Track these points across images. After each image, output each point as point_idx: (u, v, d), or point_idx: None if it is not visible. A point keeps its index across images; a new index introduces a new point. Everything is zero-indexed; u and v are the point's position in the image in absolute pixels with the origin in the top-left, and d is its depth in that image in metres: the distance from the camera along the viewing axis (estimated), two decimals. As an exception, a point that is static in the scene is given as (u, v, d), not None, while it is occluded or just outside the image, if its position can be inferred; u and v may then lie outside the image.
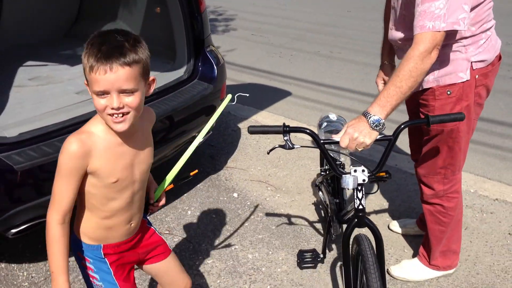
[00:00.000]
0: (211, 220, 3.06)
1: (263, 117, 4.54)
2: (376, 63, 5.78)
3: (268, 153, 2.01)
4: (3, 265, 2.64)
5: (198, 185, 3.44)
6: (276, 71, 5.87)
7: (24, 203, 2.17)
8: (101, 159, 1.45)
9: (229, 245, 2.83)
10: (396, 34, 2.17)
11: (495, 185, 3.34)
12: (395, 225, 2.91)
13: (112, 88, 1.34)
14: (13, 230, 2.22)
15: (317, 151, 3.89)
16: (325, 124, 2.64)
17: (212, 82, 3.08)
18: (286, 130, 1.84)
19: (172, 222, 3.04)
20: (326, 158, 1.92)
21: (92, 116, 2.42)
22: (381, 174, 1.98)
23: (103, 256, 1.62)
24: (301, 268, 2.62)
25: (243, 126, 4.36)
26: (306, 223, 3.03)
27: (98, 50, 1.32)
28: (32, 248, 2.77)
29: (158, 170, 3.52)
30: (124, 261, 1.69)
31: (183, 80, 3.01)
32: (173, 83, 2.95)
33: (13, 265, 2.64)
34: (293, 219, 3.07)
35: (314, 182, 2.73)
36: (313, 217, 3.09)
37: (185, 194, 3.33)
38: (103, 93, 1.36)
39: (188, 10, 3.03)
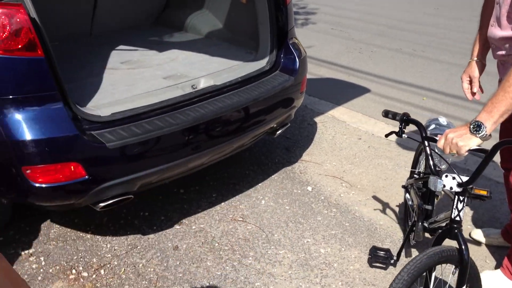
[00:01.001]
0: (285, 211, 3.08)
1: (340, 113, 4.48)
2: (462, 64, 5.56)
3: (386, 137, 2.27)
4: (88, 235, 2.80)
5: (273, 176, 3.47)
6: (355, 67, 5.77)
7: (113, 179, 2.29)
8: None
9: (302, 238, 2.84)
10: (497, 32, 2.05)
11: None
12: (477, 234, 2.77)
13: None
14: (101, 204, 2.35)
15: (393, 151, 3.80)
16: (433, 126, 2.53)
17: (293, 74, 3.08)
18: (403, 119, 2.11)
19: (246, 210, 3.08)
20: (426, 153, 1.98)
21: (177, 102, 2.54)
22: (482, 192, 1.85)
23: None
24: (371, 265, 2.58)
25: (320, 120, 4.33)
26: (381, 223, 2.97)
27: None
28: (116, 222, 2.92)
29: (235, 157, 3.60)
30: None
31: (265, 71, 3.03)
32: (255, 73, 2.98)
33: (97, 236, 2.80)
34: (367, 218, 3.02)
35: (403, 185, 2.67)
36: (389, 218, 3.02)
37: (259, 184, 3.37)
38: None
39: (274, 2, 3.04)
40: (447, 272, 2.06)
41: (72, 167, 2.20)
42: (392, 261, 2.51)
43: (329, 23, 7.62)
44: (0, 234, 2.76)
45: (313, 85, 5.02)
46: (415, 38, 6.76)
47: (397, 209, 3.08)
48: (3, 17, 1.99)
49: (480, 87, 2.37)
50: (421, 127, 2.04)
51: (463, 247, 1.81)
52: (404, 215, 2.90)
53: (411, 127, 2.18)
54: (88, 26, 3.66)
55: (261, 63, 3.08)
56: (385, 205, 3.14)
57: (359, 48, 6.49)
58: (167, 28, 3.96)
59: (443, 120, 2.56)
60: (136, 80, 2.82)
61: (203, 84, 2.76)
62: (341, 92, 5.01)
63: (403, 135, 2.09)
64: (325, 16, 8.01)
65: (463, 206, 1.84)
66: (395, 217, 3.01)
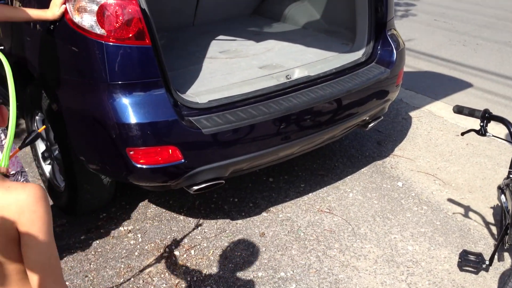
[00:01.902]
0: (372, 206, 3.04)
1: (438, 108, 4.30)
2: None
3: (462, 135, 2.12)
4: (181, 217, 2.97)
5: (362, 169, 3.43)
6: (457, 60, 5.48)
7: (207, 164, 2.41)
8: None
9: (389, 233, 2.79)
10: None
11: None
12: None
13: None
14: (195, 187, 2.48)
15: (494, 149, 3.58)
16: None
17: (389, 66, 3.01)
18: (485, 116, 1.94)
19: (333, 201, 3.09)
20: None
21: (271, 92, 2.59)
22: None
23: None
24: (461, 269, 2.48)
25: (415, 115, 4.19)
26: (476, 224, 2.84)
27: None
28: (207, 206, 3.07)
29: (324, 149, 3.61)
30: None
31: (360, 63, 2.99)
32: (350, 65, 2.95)
33: (189, 218, 2.96)
34: (460, 218, 2.89)
35: (499, 185, 2.53)
36: (485, 219, 2.87)
37: (348, 177, 3.35)
38: None
39: (374, -8, 2.99)
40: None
41: (170, 150, 2.34)
42: (484, 266, 2.40)
43: (432, 14, 7.27)
44: (104, 210, 3.01)
45: (410, 78, 4.85)
46: (528, 30, 6.27)
47: (493, 211, 2.92)
48: (117, 7, 2.16)
49: None
50: (509, 125, 1.91)
51: None
52: (500, 217, 2.75)
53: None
54: (192, 16, 3.83)
55: (357, 55, 3.05)
56: (481, 206, 2.99)
57: (463, 40, 6.14)
58: (265, 19, 4.03)
59: None
60: (233, 69, 2.91)
61: (297, 74, 2.79)
62: (440, 86, 4.79)
63: (487, 134, 1.95)
64: (428, 7, 7.65)
65: None
66: (491, 219, 2.86)
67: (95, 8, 2.17)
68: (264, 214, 2.99)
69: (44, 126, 2.30)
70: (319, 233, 2.82)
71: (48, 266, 1.11)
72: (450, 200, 3.07)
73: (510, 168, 2.65)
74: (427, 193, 3.15)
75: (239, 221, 2.93)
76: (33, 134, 1.74)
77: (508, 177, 2.54)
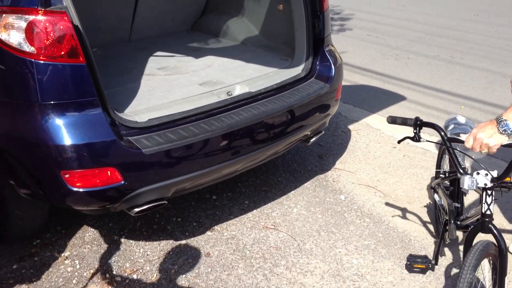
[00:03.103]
0: (317, 220, 3.05)
1: (375, 121, 4.43)
2: (502, 71, 5.39)
3: (398, 143, 2.20)
4: (122, 240, 2.85)
5: (305, 184, 3.45)
6: (390, 74, 5.69)
7: (148, 185, 2.32)
8: None
9: (334, 247, 2.81)
10: None
11: None
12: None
13: None
14: (136, 209, 2.38)
15: (429, 160, 3.72)
16: (452, 126, 2.54)
17: (328, 81, 3.06)
18: (417, 123, 2.06)
19: (278, 217, 3.08)
20: (450, 155, 1.99)
21: (213, 109, 2.55)
22: (507, 179, 1.90)
23: None
24: (410, 271, 2.54)
25: (354, 128, 4.29)
26: (416, 234, 2.91)
27: None
28: (149, 227, 2.96)
29: (267, 164, 3.60)
30: None
31: (300, 78, 3.02)
32: (290, 80, 2.97)
33: (131, 241, 2.84)
34: (401, 229, 2.96)
35: (429, 185, 2.65)
36: (424, 229, 2.96)
37: (291, 191, 3.35)
38: None
39: (311, 9, 3.03)
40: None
41: (109, 172, 2.24)
42: (430, 265, 2.46)
43: (365, 29, 7.54)
44: (38, 237, 2.83)
45: (347, 92, 4.97)
46: (454, 44, 6.62)
47: (431, 221, 3.02)
48: (47, 24, 2.05)
49: None
50: (440, 130, 2.03)
51: (499, 237, 1.88)
52: (435, 217, 2.86)
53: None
54: (128, 32, 3.73)
55: (297, 70, 3.07)
56: (419, 216, 3.08)
57: (395, 54, 6.40)
58: (203, 34, 4.00)
59: (461, 119, 2.56)
60: (173, 86, 2.85)
61: (238, 91, 2.77)
62: (375, 99, 4.95)
63: (421, 140, 2.06)
64: (361, 22, 7.93)
65: (492, 200, 1.91)
66: (430, 229, 2.95)
67: (24, 24, 2.05)
68: (208, 233, 2.93)
69: None
70: (265, 250, 2.78)
71: None
72: (390, 211, 3.14)
73: (436, 168, 2.82)
74: (368, 205, 3.21)
75: (183, 241, 2.85)
76: None
77: (437, 176, 2.67)
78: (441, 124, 2.25)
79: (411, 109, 4.71)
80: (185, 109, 2.50)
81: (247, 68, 3.15)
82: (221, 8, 4.00)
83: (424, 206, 3.17)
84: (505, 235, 2.86)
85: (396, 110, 4.68)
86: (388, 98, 4.98)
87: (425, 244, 2.82)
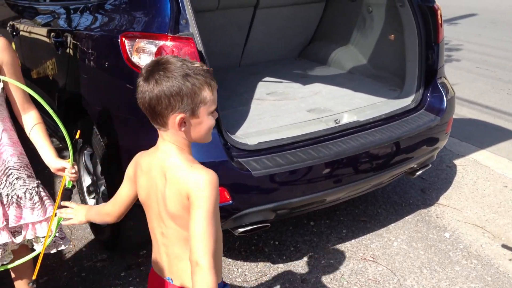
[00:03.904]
0: (419, 256, 2.93)
1: (484, 157, 4.19)
2: None
3: None
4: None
5: (407, 217, 3.34)
6: (502, 109, 5.37)
7: (255, 206, 2.39)
8: None
9: (436, 287, 2.68)
10: None
11: None
12: None
13: None
14: (241, 229, 2.45)
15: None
16: None
17: (439, 114, 2.97)
18: None
19: (377, 250, 3.00)
20: None
21: (321, 136, 2.58)
22: None
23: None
24: None
25: (460, 163, 4.09)
26: (531, 282, 2.70)
27: (206, 72, 1.38)
28: (247, 248, 3.02)
29: (366, 194, 3.54)
30: None
31: (409, 109, 2.96)
32: (399, 111, 2.92)
33: (229, 260, 2.91)
34: (513, 275, 2.76)
35: None
36: (540, 277, 2.73)
37: (392, 224, 3.26)
38: (214, 111, 1.42)
39: (426, 40, 2.98)
40: None
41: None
42: None
43: (474, 61, 7.21)
44: (145, 247, 2.97)
45: (454, 125, 4.71)
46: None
47: (550, 270, 2.78)
48: (174, 49, 2.21)
49: None
50: None
51: None
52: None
53: None
54: (239, 57, 3.90)
55: (406, 101, 3.02)
56: (535, 264, 2.85)
57: (507, 88, 6.04)
58: (311, 62, 4.07)
59: None
60: (281, 111, 2.92)
61: (346, 119, 2.78)
62: (485, 134, 4.69)
63: None
64: (469, 54, 7.60)
65: None
66: (547, 279, 2.72)
67: (154, 49, 2.23)
68: (305, 259, 2.92)
69: (79, 131, 2.04)
70: (363, 282, 2.72)
71: (202, 238, 1.33)
72: (501, 254, 2.94)
73: None
74: (476, 246, 3.03)
75: (280, 265, 2.87)
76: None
77: None
78: None
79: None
80: (294, 134, 2.55)
81: (354, 97, 3.15)
82: (329, 36, 4.06)
83: (540, 253, 2.94)
84: None
85: (508, 147, 4.40)
86: (499, 134, 4.70)
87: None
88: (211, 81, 1.37)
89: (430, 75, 3.04)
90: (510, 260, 2.88)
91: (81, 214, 1.77)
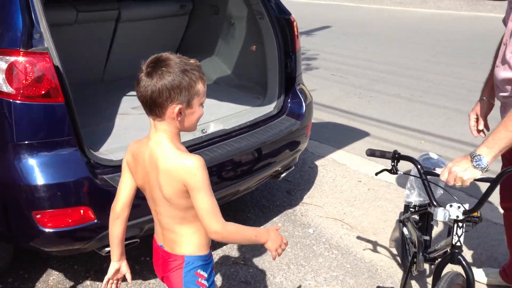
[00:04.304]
0: (286, 254, 3.13)
1: (340, 156, 4.59)
2: (459, 108, 5.69)
3: (376, 175, 2.25)
4: (88, 282, 2.83)
5: (274, 219, 3.54)
6: (355, 111, 5.92)
7: (122, 222, 2.36)
8: None
9: (303, 280, 2.89)
10: (500, 73, 2.14)
11: None
12: (477, 273, 2.83)
13: None
14: (107, 249, 2.40)
15: (393, 193, 3.88)
16: (424, 161, 2.66)
17: (299, 118, 3.21)
18: (395, 156, 2.13)
19: (247, 253, 3.14)
20: (425, 188, 2.06)
21: (187, 146, 2.63)
22: (474, 213, 2.00)
23: (211, 264, 1.80)
24: None
25: (320, 163, 4.44)
26: (382, 263, 3.03)
27: (199, 67, 1.58)
28: (121, 264, 2.96)
29: (236, 201, 3.68)
30: None
31: (272, 115, 3.16)
32: (263, 118, 3.10)
33: (97, 283, 2.81)
34: (368, 259, 3.07)
35: (399, 219, 2.74)
36: (389, 259, 3.08)
37: (261, 227, 3.43)
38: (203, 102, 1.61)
39: (284, 50, 3.21)
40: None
41: (81, 211, 2.26)
42: None
43: (330, 69, 7.84)
44: None
45: (314, 129, 5.12)
46: (413, 83, 6.96)
47: (396, 251, 3.14)
48: (27, 65, 2.12)
49: (486, 125, 2.47)
50: (417, 163, 2.10)
51: (467, 269, 1.96)
52: (402, 250, 2.97)
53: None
54: (101, 72, 3.82)
55: (269, 108, 3.21)
56: (385, 246, 3.20)
57: (358, 93, 6.67)
58: None
59: (433, 155, 2.68)
60: (146, 124, 2.90)
61: (212, 128, 2.88)
62: (341, 135, 5.14)
63: (399, 172, 2.13)
64: (326, 63, 8.24)
65: (463, 232, 1.98)
66: (395, 258, 3.07)
67: (4, 66, 2.12)
68: (181, 269, 2.95)
69: None
70: (235, 285, 2.84)
71: (211, 212, 1.57)
72: (357, 243, 3.26)
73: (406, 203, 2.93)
74: (336, 237, 3.32)
75: (152, 281, 2.87)
76: None
77: (406, 210, 2.79)
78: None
79: (374, 144, 4.90)
80: (159, 147, 2.58)
81: (220, 107, 3.27)
82: (194, 48, 4.15)
83: (389, 237, 3.30)
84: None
85: (360, 145, 4.87)
86: (353, 134, 5.18)
87: (391, 273, 2.93)
88: (203, 75, 1.57)
89: (289, 83, 3.28)
90: (365, 247, 3.21)
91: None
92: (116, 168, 2.39)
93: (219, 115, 3.08)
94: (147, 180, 1.66)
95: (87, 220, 2.27)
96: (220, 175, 2.71)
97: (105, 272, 2.85)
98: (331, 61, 8.38)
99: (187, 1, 4.10)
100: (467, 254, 3.10)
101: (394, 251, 3.15)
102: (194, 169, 1.54)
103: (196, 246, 1.71)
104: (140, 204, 2.39)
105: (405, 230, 2.70)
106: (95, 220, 2.28)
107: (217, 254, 3.10)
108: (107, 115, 3.06)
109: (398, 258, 3.07)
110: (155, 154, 1.59)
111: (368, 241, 3.28)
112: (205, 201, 1.57)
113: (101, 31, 3.69)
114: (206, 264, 1.74)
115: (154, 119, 1.59)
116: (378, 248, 3.19)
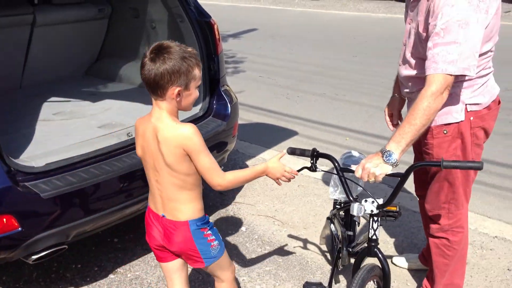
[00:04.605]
0: (220, 252, 3.16)
1: (270, 155, 4.69)
2: (380, 105, 5.96)
3: (298, 172, 2.22)
4: (20, 291, 2.74)
5: (208, 219, 3.56)
6: (283, 112, 6.07)
7: (48, 230, 2.30)
8: None
9: (238, 276, 2.93)
10: (402, 71, 2.31)
11: (494, 223, 3.46)
12: (399, 260, 3.01)
13: None
14: (34, 256, 2.33)
15: (321, 188, 4.03)
16: (346, 159, 2.77)
17: (225, 119, 3.26)
18: (314, 154, 2.19)
19: (182, 253, 3.14)
20: (342, 184, 2.12)
21: (113, 150, 2.62)
22: (393, 208, 2.10)
23: (210, 222, 2.10)
24: None
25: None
26: (312, 256, 3.14)
27: (196, 55, 1.84)
28: (46, 277, 2.87)
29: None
30: None
31: (198, 117, 3.18)
32: (189, 120, 3.12)
33: (28, 293, 2.74)
34: (299, 253, 3.17)
35: (328, 217, 2.85)
36: (319, 251, 3.20)
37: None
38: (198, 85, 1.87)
39: (206, 52, 3.24)
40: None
41: (4, 219, 2.19)
42: None
43: (257, 71, 7.97)
44: None
45: (244, 130, 5.22)
46: (337, 83, 7.23)
47: (325, 242, 3.27)
48: None
49: (401, 119, 2.62)
50: (334, 160, 2.16)
51: (383, 261, 2.07)
52: (332, 246, 3.09)
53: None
54: (19, 78, 3.67)
55: (194, 110, 3.23)
56: (315, 240, 3.32)
57: (286, 93, 6.83)
58: (100, 79, 4.04)
59: (355, 153, 2.81)
60: (70, 130, 2.87)
61: (137, 132, 2.85)
62: (270, 135, 5.25)
63: (317, 169, 2.17)
64: (253, 65, 8.37)
65: (378, 226, 2.08)
66: (324, 250, 3.19)
67: None
68: (111, 276, 2.91)
69: None
70: (171, 286, 2.83)
71: (211, 169, 1.86)
72: (288, 238, 3.35)
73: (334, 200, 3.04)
74: (268, 234, 3.39)
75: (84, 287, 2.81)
76: None
77: (334, 207, 2.91)
78: (337, 157, 2.45)
79: (302, 143, 5.06)
80: (85, 151, 2.54)
81: (146, 110, 3.22)
82: (116, 52, 4.09)
83: (318, 230, 3.43)
84: (389, 250, 3.19)
85: (289, 144, 4.98)
86: (282, 134, 5.30)
87: (321, 265, 3.05)
88: (199, 62, 1.84)
89: (214, 84, 3.32)
90: (296, 241, 3.31)
91: None
92: (39, 174, 2.32)
93: None
94: (148, 151, 1.90)
95: (11, 228, 2.20)
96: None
97: (36, 282, 2.78)
98: (258, 63, 8.52)
99: (105, 4, 4.03)
100: (390, 242, 3.29)
101: (324, 247, 3.27)
102: (190, 134, 1.80)
103: (195, 211, 1.97)
104: (67, 210, 2.36)
105: (332, 226, 2.80)
106: (19, 228, 2.21)
107: (151, 257, 3.08)
108: (27, 122, 2.96)
109: (326, 249, 3.20)
110: (156, 128, 1.84)
111: (299, 235, 3.38)
112: (206, 161, 1.84)
113: (16, 36, 3.55)
114: (205, 222, 2.03)
115: (156, 98, 1.83)
116: (309, 242, 3.30)
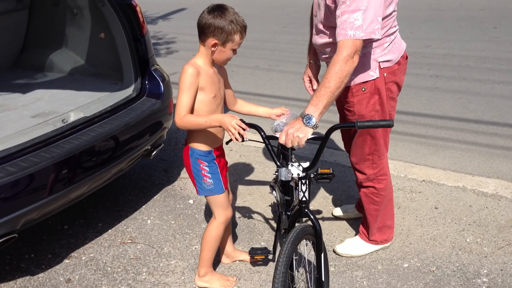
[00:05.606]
0: (171, 226, 3.27)
1: (211, 130, 4.79)
2: (310, 72, 6.03)
3: (226, 144, 2.37)
4: (-28, 287, 2.73)
5: (155, 197, 3.65)
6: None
7: (-9, 221, 2.31)
8: (204, 80, 2.25)
9: (190, 246, 3.05)
10: (318, 40, 2.49)
11: (421, 169, 3.76)
12: (338, 211, 3.23)
13: None
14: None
15: (262, 156, 4.20)
16: (278, 125, 2.87)
17: (159, 97, 3.32)
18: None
19: (133, 232, 3.22)
20: (269, 151, 2.21)
21: (50, 137, 2.64)
22: (326, 170, 2.19)
23: (214, 158, 2.42)
24: (254, 264, 2.84)
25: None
26: (259, 219, 3.31)
27: (244, 26, 2.20)
28: (1, 269, 2.87)
29: (116, 186, 3.71)
30: (221, 164, 2.48)
31: (132, 98, 3.23)
32: (123, 101, 3.16)
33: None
34: (246, 217, 3.33)
35: (270, 184, 2.99)
36: (264, 214, 3.37)
37: (143, 206, 3.52)
38: (235, 51, 2.25)
39: (132, 34, 3.26)
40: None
41: None
42: (270, 256, 2.78)
43: (190, 50, 7.96)
44: None
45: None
46: (269, 54, 7.39)
47: (269, 206, 3.45)
48: None
49: (318, 83, 2.78)
50: (260, 129, 2.21)
51: (314, 220, 2.18)
52: (277, 210, 3.26)
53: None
54: None
55: (128, 91, 3.27)
56: (260, 205, 3.48)
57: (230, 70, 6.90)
58: (27, 70, 3.96)
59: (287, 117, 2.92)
60: (3, 122, 2.84)
61: (73, 117, 2.88)
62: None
63: (245, 139, 2.17)
64: (185, 44, 8.37)
65: (307, 188, 2.18)
66: (269, 213, 3.37)
67: None
68: (66, 261, 2.95)
69: None
70: (125, 263, 2.91)
71: (178, 106, 2.23)
72: (235, 205, 3.50)
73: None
74: (215, 203, 3.52)
75: (41, 275, 2.84)
76: None
77: (274, 174, 3.04)
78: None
79: (241, 115, 5.18)
80: (21, 141, 2.54)
81: (78, 96, 3.25)
82: (41, 42, 4.01)
83: (263, 195, 3.60)
84: (329, 204, 3.39)
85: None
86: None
87: (267, 227, 3.22)
88: (243, 32, 2.20)
89: (143, 65, 3.35)
90: (243, 207, 3.46)
91: None
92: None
93: (78, 104, 3.08)
94: None
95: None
96: (88, 161, 2.74)
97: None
98: (190, 42, 8.50)
99: (23, -6, 3.94)
100: (329, 197, 3.51)
101: (268, 206, 3.44)
102: (182, 71, 2.17)
103: (198, 141, 2.35)
104: (11, 199, 2.37)
105: (274, 193, 2.94)
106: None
107: (103, 239, 3.14)
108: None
109: (270, 211, 3.37)
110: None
111: (244, 201, 3.53)
112: (178, 98, 2.20)
113: None
114: (205, 156, 2.39)
115: (200, 42, 2.22)
116: (254, 207, 3.46)
